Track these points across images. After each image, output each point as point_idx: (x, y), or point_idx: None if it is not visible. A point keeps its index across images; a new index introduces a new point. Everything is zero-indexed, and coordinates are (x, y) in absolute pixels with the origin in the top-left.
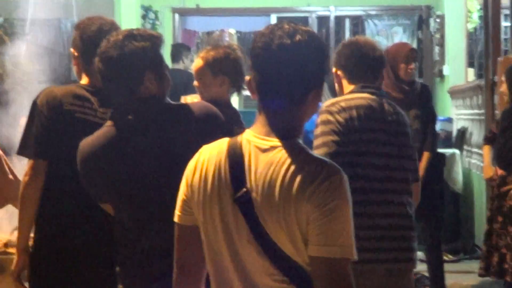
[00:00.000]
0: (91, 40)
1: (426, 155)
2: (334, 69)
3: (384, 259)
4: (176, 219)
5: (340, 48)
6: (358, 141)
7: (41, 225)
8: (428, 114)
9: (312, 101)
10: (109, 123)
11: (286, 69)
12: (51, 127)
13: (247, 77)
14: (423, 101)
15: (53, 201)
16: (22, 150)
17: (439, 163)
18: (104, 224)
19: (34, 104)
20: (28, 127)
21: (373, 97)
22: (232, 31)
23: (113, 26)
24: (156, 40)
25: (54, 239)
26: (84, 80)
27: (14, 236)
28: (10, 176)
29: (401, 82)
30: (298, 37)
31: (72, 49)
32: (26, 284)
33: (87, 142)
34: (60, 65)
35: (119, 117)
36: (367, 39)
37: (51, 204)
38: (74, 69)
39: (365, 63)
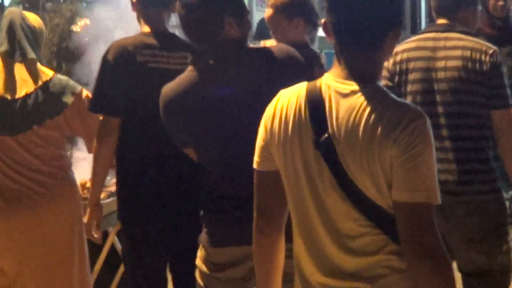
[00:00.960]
0: None
1: None
2: None
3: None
4: (255, 165)
5: None
6: (405, 82)
7: (123, 169)
8: None
9: (390, 43)
10: (190, 68)
11: (363, 10)
12: (125, 81)
13: (322, 20)
14: None
15: (133, 151)
16: (95, 107)
17: None
18: (185, 169)
19: (105, 59)
20: (100, 83)
21: (430, 35)
22: None
23: None
24: None
25: (137, 182)
26: (145, 28)
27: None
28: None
29: (494, 17)
30: None
31: None
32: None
33: (169, 88)
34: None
35: (200, 62)
36: None
37: (131, 151)
38: (136, 15)
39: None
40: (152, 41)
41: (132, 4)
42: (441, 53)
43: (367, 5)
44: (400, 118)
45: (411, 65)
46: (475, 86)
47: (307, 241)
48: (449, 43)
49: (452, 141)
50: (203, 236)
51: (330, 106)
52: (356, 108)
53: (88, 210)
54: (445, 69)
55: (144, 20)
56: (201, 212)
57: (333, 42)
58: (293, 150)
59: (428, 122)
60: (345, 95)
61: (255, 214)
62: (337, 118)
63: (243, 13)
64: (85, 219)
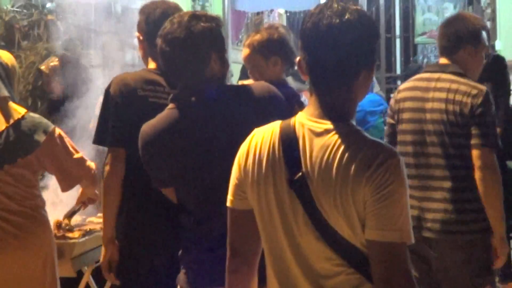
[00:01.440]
0: (156, 24)
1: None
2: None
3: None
4: (228, 203)
5: None
6: (399, 121)
7: (124, 214)
8: (500, 87)
9: (364, 82)
10: (171, 105)
11: (335, 49)
12: (126, 114)
13: (297, 58)
14: (494, 74)
15: (133, 190)
16: (100, 140)
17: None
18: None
19: (107, 93)
20: (103, 116)
21: (426, 75)
22: (282, 11)
23: (177, 10)
24: (219, 22)
25: (139, 227)
26: (152, 65)
27: (73, 221)
28: (76, 156)
29: None
30: (347, 16)
31: (137, 33)
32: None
33: (149, 125)
34: (111, 48)
35: (182, 99)
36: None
37: (132, 192)
38: (140, 53)
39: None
40: (155, 77)
41: (139, 41)
42: (430, 94)
43: (339, 44)
44: (373, 157)
45: (406, 104)
46: (457, 128)
47: (281, 281)
48: (439, 84)
49: (440, 181)
50: (181, 277)
51: (304, 145)
52: (330, 147)
53: (102, 249)
54: (432, 110)
55: (152, 57)
56: (179, 252)
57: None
58: (267, 189)
59: (402, 161)
60: (319, 134)
61: (228, 253)
62: (311, 157)
63: (224, 50)
64: (101, 259)
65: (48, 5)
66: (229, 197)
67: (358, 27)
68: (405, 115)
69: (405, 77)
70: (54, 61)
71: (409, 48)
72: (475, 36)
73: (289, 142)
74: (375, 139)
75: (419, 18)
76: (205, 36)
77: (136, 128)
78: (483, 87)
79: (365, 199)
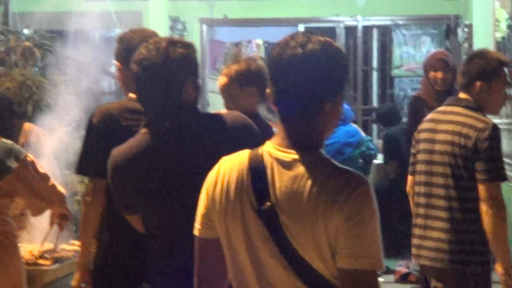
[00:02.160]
0: (135, 51)
1: None
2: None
3: None
4: (196, 232)
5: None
6: (417, 152)
7: (103, 242)
8: None
9: (330, 113)
10: (143, 130)
11: (298, 79)
12: (109, 144)
13: (267, 90)
14: None
15: (114, 219)
16: (82, 170)
17: None
18: None
19: (90, 123)
20: (85, 146)
21: (442, 108)
22: (260, 41)
23: (156, 37)
24: (194, 48)
25: (117, 256)
26: (132, 94)
27: (45, 247)
28: (47, 181)
29: (436, 91)
30: (310, 46)
31: (116, 62)
32: None
33: (119, 151)
34: (89, 76)
35: (155, 124)
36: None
37: (113, 221)
38: (119, 82)
39: None
40: (137, 106)
41: (119, 70)
42: (441, 126)
43: (304, 76)
44: (343, 185)
45: (422, 135)
46: (461, 160)
47: None
48: (451, 117)
49: (440, 211)
50: None
51: (272, 175)
52: (299, 178)
53: (77, 274)
54: (440, 142)
55: (130, 85)
56: (145, 285)
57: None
58: (234, 218)
59: (372, 189)
60: (287, 164)
61: (195, 282)
62: (280, 187)
63: (198, 75)
64: (73, 283)
65: (25, 31)
66: (197, 225)
67: (321, 58)
68: (421, 146)
69: (377, 115)
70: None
71: (386, 81)
72: (487, 73)
73: (257, 171)
74: (344, 167)
75: (396, 52)
76: (183, 62)
77: None
78: (490, 121)
79: (336, 228)
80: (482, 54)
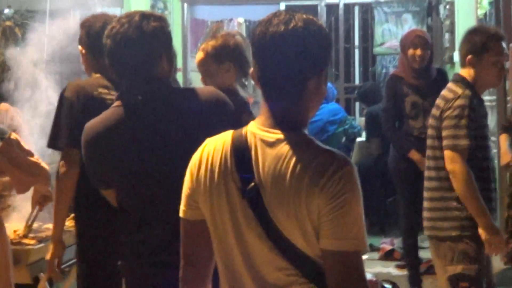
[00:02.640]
0: (98, 36)
1: None
2: None
3: None
4: (181, 214)
5: None
6: None
7: (80, 215)
8: None
9: (314, 90)
10: (117, 103)
11: (281, 57)
12: (82, 116)
13: (251, 69)
14: (439, 87)
15: (87, 191)
16: (54, 142)
17: None
18: None
19: (62, 97)
20: (57, 119)
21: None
22: (241, 20)
23: None
24: (167, 21)
25: (94, 228)
26: (97, 75)
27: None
28: (31, 159)
29: (414, 68)
30: (293, 24)
31: (80, 47)
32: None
33: (92, 123)
34: (69, 55)
35: (128, 98)
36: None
37: (86, 194)
38: (83, 66)
39: None
40: (106, 82)
41: (82, 55)
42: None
43: (286, 52)
44: (326, 166)
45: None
46: (433, 131)
47: None
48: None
49: (428, 181)
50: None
51: (256, 155)
52: (282, 157)
53: (50, 247)
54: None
55: (93, 69)
56: (119, 262)
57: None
58: (219, 199)
59: (355, 170)
60: (271, 144)
61: (181, 263)
62: (263, 167)
63: (172, 49)
64: (48, 256)
65: (6, 11)
66: (182, 207)
67: (305, 35)
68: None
69: (359, 94)
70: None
71: (368, 59)
72: (477, 47)
73: (241, 152)
74: (328, 147)
75: (378, 29)
76: (157, 35)
77: None
78: (462, 92)
79: (319, 209)
80: (475, 29)
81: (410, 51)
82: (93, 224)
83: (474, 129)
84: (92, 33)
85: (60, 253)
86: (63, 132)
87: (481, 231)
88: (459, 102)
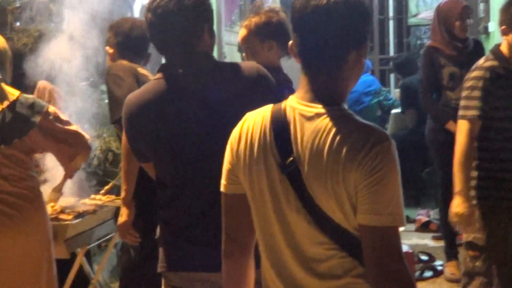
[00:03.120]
0: (126, 36)
1: None
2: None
3: None
4: (222, 188)
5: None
6: None
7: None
8: None
9: (354, 63)
10: (158, 75)
11: (322, 30)
12: (135, 85)
13: (290, 42)
14: (476, 58)
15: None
16: (117, 113)
17: None
18: None
19: (110, 75)
20: (117, 93)
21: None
22: None
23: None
24: None
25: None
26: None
27: (65, 202)
28: (72, 128)
29: (454, 39)
30: None
31: (108, 48)
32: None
33: (133, 96)
34: (102, 31)
35: (170, 70)
36: None
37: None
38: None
39: None
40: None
41: (110, 55)
42: None
43: (328, 24)
44: (364, 141)
45: None
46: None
47: (275, 265)
48: None
49: None
50: (160, 260)
51: (295, 129)
52: (321, 132)
53: (123, 209)
54: None
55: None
56: (156, 236)
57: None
58: (259, 173)
59: (393, 145)
60: (310, 118)
61: (223, 238)
62: (302, 141)
63: (213, 22)
64: (120, 220)
65: None
66: (223, 181)
67: (345, 8)
68: None
69: (395, 65)
70: None
71: (402, 30)
72: (509, 18)
73: (280, 126)
74: (367, 122)
75: (412, 0)
76: (198, 8)
77: None
78: (482, 62)
79: (356, 184)
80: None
81: (457, 23)
82: (142, 198)
83: (494, 101)
84: (120, 32)
85: (132, 217)
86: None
87: (453, 204)
88: (475, 73)
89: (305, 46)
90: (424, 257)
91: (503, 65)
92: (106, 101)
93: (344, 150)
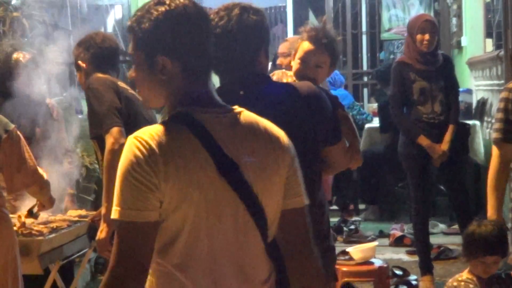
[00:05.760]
0: (98, 48)
1: (451, 127)
2: None
3: None
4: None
5: None
6: None
7: None
8: (452, 85)
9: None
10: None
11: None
12: (116, 100)
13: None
14: (446, 72)
15: None
16: (104, 126)
17: (465, 134)
18: None
19: (90, 89)
20: (97, 108)
21: None
22: None
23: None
24: (264, 14)
25: None
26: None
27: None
28: (29, 161)
29: (422, 53)
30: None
31: (80, 62)
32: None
33: None
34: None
35: (229, 93)
36: None
37: None
38: (81, 81)
39: None
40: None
41: (82, 69)
42: None
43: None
44: (279, 136)
45: None
46: None
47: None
48: None
49: None
50: None
51: (216, 134)
52: (244, 133)
53: (104, 226)
54: None
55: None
56: None
57: None
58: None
59: None
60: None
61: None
62: (232, 143)
63: (269, 43)
64: (101, 235)
65: (14, 1)
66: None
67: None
68: None
69: (377, 74)
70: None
71: (376, 44)
72: None
73: (202, 134)
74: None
75: (385, 15)
76: (257, 29)
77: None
78: (508, 85)
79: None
80: None
81: (419, 36)
82: None
83: None
84: (93, 45)
85: (111, 233)
86: (106, 115)
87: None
88: (501, 94)
89: None
90: (398, 272)
91: None
92: (81, 116)
93: (275, 140)
